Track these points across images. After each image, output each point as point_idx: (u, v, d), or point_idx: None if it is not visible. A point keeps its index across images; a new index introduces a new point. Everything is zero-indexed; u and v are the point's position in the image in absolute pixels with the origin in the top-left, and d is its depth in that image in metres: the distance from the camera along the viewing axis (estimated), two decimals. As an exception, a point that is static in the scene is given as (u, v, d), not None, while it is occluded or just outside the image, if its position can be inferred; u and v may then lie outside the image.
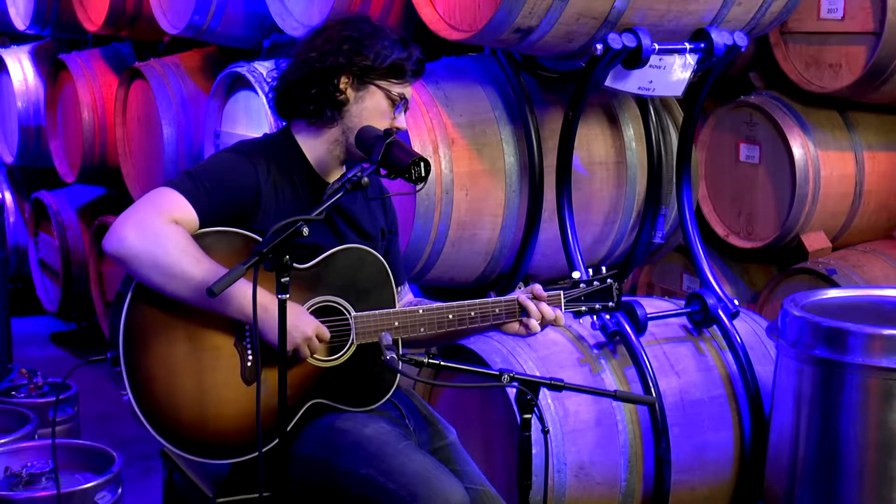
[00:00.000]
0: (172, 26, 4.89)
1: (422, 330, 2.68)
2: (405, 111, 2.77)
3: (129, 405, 2.53)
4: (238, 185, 2.62)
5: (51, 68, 6.20)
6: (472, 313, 2.73)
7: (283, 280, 2.34)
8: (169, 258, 2.47)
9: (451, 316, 2.71)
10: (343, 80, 2.68)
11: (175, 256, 2.47)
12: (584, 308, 2.88)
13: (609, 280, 2.88)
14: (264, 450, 2.53)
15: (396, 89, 2.71)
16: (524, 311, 2.74)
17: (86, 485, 3.30)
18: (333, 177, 2.75)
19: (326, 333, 2.59)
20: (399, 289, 2.92)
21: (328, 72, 2.68)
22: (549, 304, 2.77)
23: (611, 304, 2.89)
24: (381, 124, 2.69)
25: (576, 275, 2.89)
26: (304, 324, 2.54)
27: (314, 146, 2.73)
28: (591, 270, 2.91)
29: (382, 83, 2.69)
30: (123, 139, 5.55)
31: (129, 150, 5.55)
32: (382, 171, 2.59)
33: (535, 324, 2.74)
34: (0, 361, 4.76)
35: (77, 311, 6.60)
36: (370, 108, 2.69)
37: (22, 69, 6.67)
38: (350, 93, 2.69)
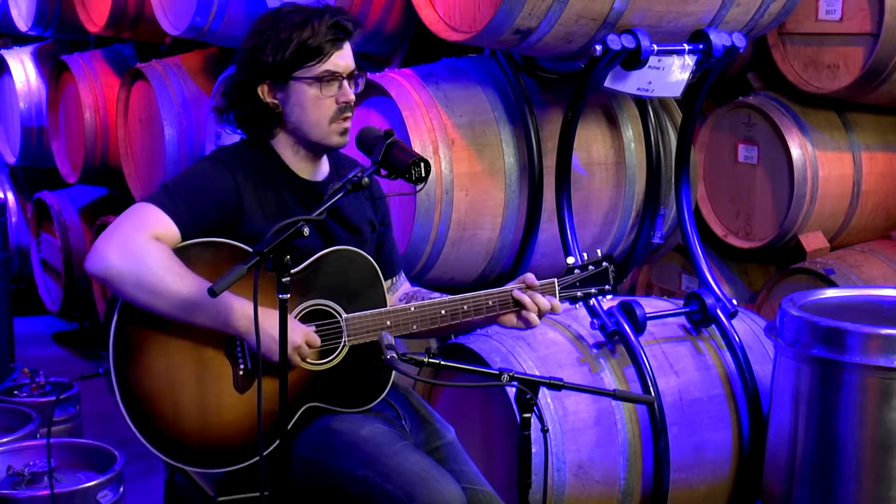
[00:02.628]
0: (174, 27, 4.90)
1: (414, 327, 2.67)
2: (350, 79, 2.64)
3: (123, 416, 2.53)
4: (217, 194, 2.59)
5: (53, 69, 6.22)
6: (465, 307, 2.70)
7: (283, 280, 2.34)
8: (152, 276, 2.45)
9: (443, 311, 2.69)
10: (260, 89, 2.64)
11: (158, 275, 2.46)
12: (579, 294, 2.81)
13: (604, 263, 2.85)
14: (262, 455, 2.53)
15: (318, 69, 2.60)
16: (518, 304, 2.71)
17: (87, 483, 3.30)
18: (313, 173, 2.73)
19: (317, 340, 2.58)
20: (394, 279, 2.91)
21: (244, 88, 2.65)
22: (542, 294, 2.73)
23: (607, 286, 2.83)
24: (325, 108, 2.61)
25: (570, 260, 2.85)
26: (292, 333, 2.51)
27: (281, 149, 2.71)
28: (584, 256, 2.87)
29: (299, 73, 2.60)
30: (125, 140, 5.57)
31: (131, 151, 5.57)
32: (383, 172, 2.57)
33: (533, 317, 2.70)
34: (2, 361, 4.78)
35: (79, 311, 6.62)
36: (300, 101, 2.62)
37: (24, 70, 6.69)
38: (278, 96, 2.64)
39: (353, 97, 2.65)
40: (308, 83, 2.61)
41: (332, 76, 2.62)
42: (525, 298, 2.70)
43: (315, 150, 2.70)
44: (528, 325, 2.73)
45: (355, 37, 2.67)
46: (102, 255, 2.48)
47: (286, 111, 2.65)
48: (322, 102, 2.62)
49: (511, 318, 2.75)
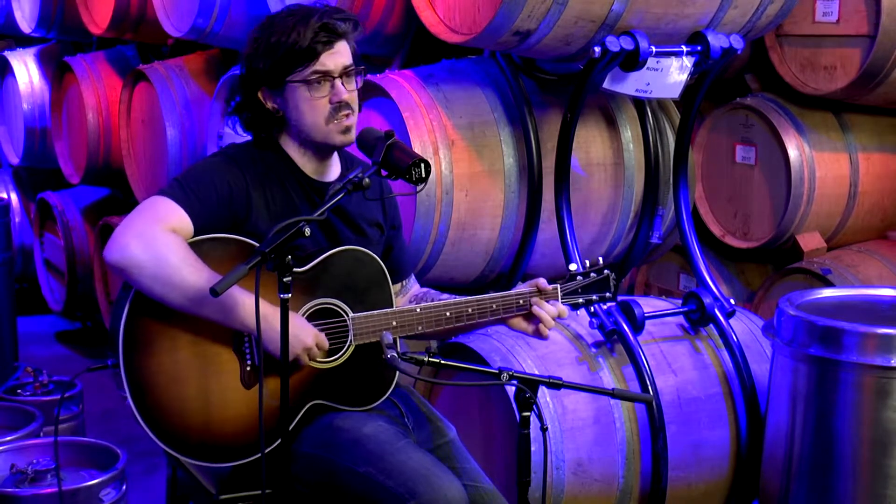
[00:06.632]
0: (176, 29, 4.92)
1: (420, 328, 2.71)
2: (344, 76, 2.64)
3: (131, 409, 2.56)
4: (227, 190, 2.61)
5: (56, 71, 6.24)
6: (470, 310, 2.76)
7: (284, 280, 2.36)
8: (169, 268, 2.48)
9: (448, 314, 2.74)
10: (259, 95, 2.67)
11: (175, 266, 2.48)
12: (581, 300, 2.89)
13: (606, 271, 2.89)
14: (266, 451, 2.55)
15: (307, 71, 2.61)
16: (523, 307, 2.80)
17: (90, 482, 3.31)
18: (322, 173, 2.76)
19: (325, 342, 2.61)
20: (405, 282, 2.94)
21: (245, 95, 2.69)
22: (547, 300, 2.81)
23: (608, 294, 2.89)
24: (319, 109, 2.63)
25: (572, 267, 2.91)
26: (303, 333, 2.56)
27: (290, 149, 2.73)
28: (587, 263, 2.93)
29: (292, 77, 2.62)
30: (127, 141, 5.59)
31: (133, 152, 5.59)
32: (383, 172, 2.59)
33: (545, 330, 2.84)
34: (6, 360, 4.80)
35: (82, 311, 6.64)
36: (296, 104, 2.64)
37: (28, 72, 6.71)
38: (277, 101, 2.67)
39: (346, 95, 2.64)
40: (300, 86, 2.62)
41: (323, 77, 2.62)
42: (544, 314, 2.82)
43: (321, 150, 2.72)
44: (541, 336, 2.83)
45: (352, 34, 2.67)
46: (122, 245, 2.51)
47: (287, 115, 2.68)
48: (316, 104, 2.63)
49: (520, 323, 2.83)
